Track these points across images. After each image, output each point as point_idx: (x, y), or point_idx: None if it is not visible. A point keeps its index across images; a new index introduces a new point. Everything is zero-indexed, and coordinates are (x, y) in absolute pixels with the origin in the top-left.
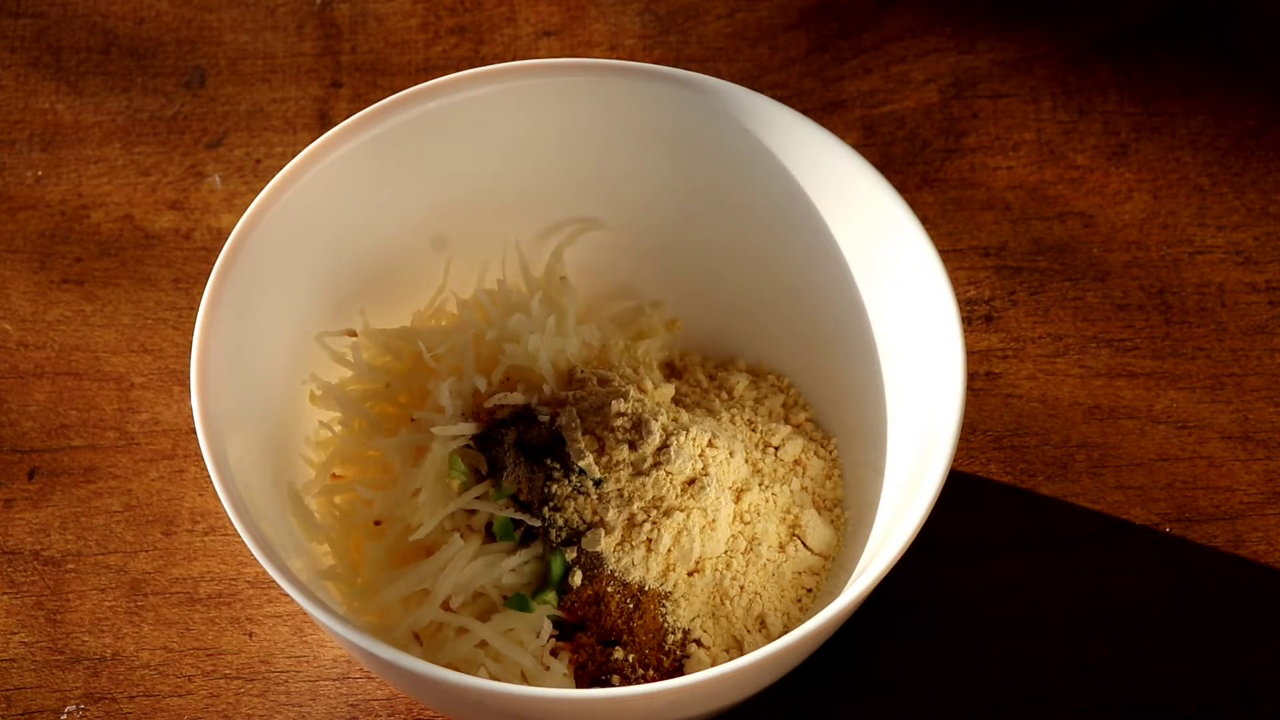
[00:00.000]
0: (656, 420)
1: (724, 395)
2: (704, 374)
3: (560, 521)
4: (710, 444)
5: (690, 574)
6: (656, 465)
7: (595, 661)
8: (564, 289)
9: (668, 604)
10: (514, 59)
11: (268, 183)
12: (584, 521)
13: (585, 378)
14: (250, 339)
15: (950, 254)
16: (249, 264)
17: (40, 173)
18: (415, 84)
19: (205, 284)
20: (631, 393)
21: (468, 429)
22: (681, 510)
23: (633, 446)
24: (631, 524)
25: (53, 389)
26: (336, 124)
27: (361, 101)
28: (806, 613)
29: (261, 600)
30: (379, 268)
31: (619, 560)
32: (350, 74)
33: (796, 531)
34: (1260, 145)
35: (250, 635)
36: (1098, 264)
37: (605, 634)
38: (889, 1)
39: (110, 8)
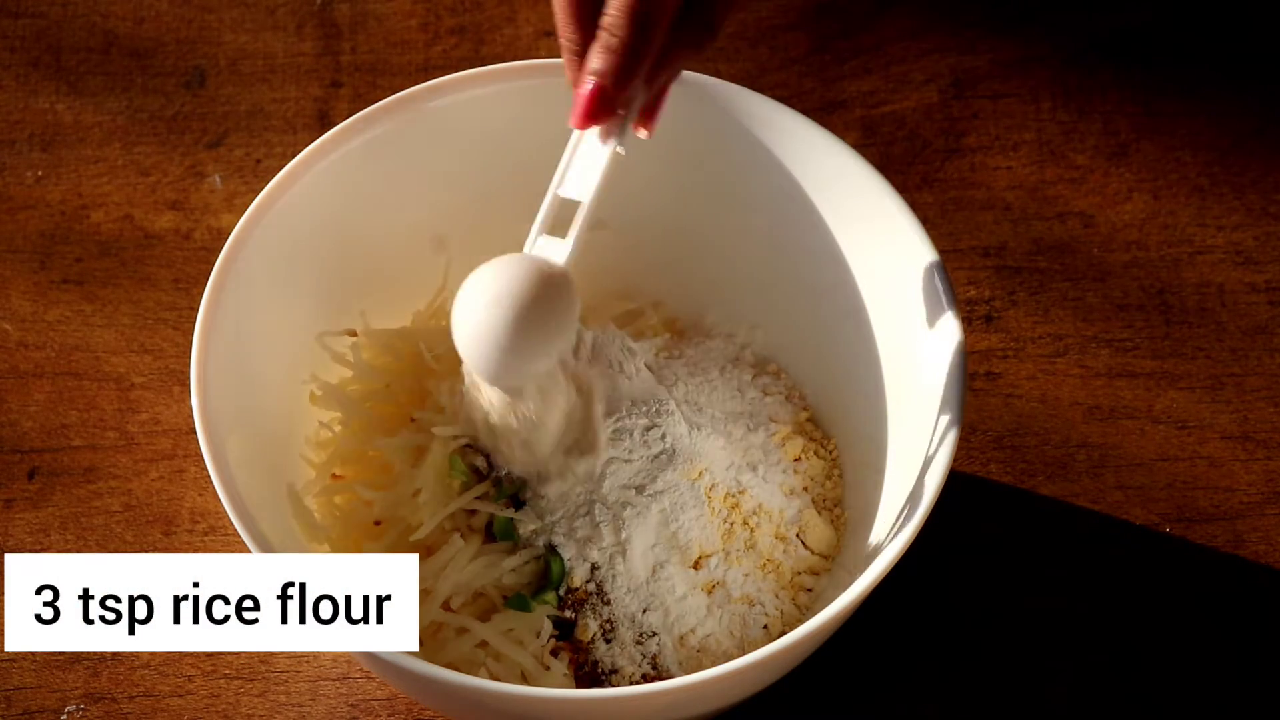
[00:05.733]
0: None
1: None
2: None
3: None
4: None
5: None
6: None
7: None
8: None
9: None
10: (514, 59)
11: (268, 183)
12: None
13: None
14: (250, 339)
15: (950, 254)
16: (249, 264)
17: (40, 173)
18: (415, 84)
19: (205, 284)
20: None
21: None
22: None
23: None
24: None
25: (53, 389)
26: (336, 124)
27: (361, 101)
28: (806, 613)
29: None
30: (379, 268)
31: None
32: (350, 74)
33: (796, 531)
34: (1260, 145)
35: None
36: (1098, 264)
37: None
38: (889, 1)
39: (110, 8)
